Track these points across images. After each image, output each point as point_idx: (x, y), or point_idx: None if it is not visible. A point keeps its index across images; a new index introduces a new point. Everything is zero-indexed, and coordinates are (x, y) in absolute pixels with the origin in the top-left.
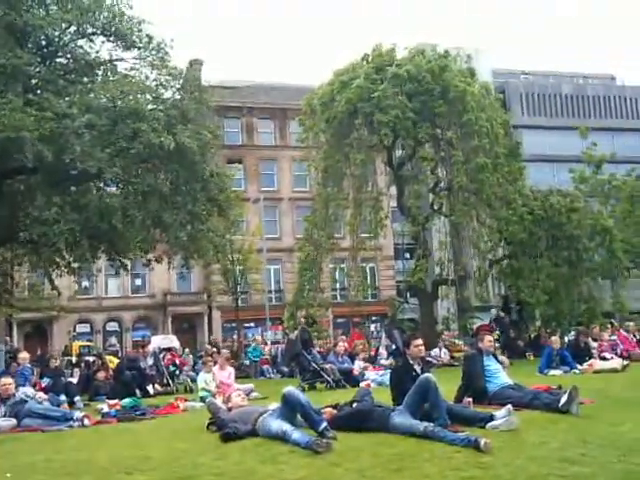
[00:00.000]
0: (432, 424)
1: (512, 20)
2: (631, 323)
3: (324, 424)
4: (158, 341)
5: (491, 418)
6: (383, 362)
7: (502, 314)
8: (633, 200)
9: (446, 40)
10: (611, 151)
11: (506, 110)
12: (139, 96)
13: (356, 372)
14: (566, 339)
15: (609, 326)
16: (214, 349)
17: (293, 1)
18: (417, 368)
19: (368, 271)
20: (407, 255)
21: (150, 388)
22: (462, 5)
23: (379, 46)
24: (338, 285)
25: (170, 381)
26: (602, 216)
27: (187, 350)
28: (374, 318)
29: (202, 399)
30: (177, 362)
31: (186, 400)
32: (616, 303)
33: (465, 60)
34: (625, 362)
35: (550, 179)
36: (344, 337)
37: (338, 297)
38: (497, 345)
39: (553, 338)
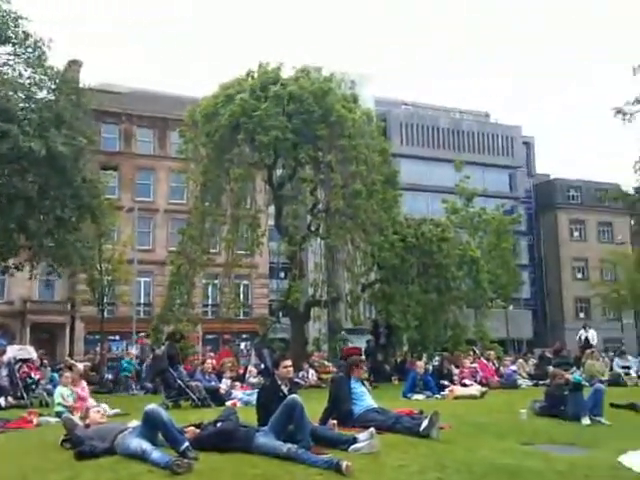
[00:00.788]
0: (295, 446)
1: (398, 51)
2: (492, 352)
3: (186, 444)
4: (14, 351)
5: (354, 441)
6: (252, 380)
7: (371, 337)
8: (499, 234)
9: (333, 64)
10: (482, 185)
11: (386, 138)
12: (10, 94)
13: (223, 390)
14: (430, 364)
15: (471, 353)
16: (72, 361)
17: (180, 13)
18: (284, 389)
19: (242, 288)
20: (282, 274)
21: (2, 401)
22: (350, 31)
23: (265, 64)
24: (210, 301)
25: (25, 394)
26: (470, 247)
27: (45, 362)
28: (245, 336)
29: (58, 414)
30: (33, 374)
31: (40, 414)
32: (478, 332)
33: (349, 85)
34: (483, 389)
35: (424, 208)
36: (212, 354)
37: (209, 313)
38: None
39: (418, 363)
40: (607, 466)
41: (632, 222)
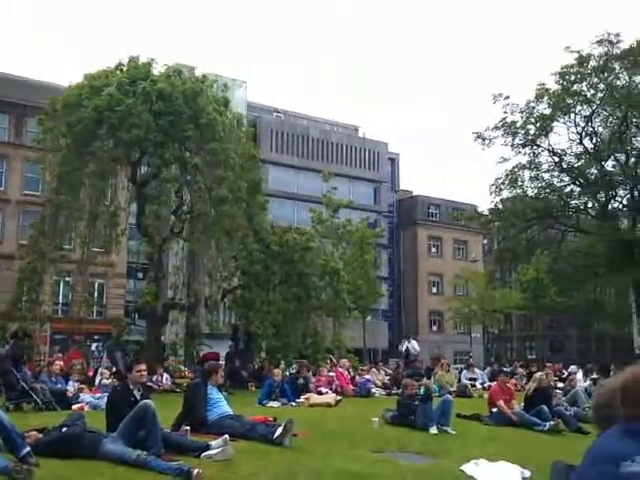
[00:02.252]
0: (145, 452)
1: (272, 58)
2: (345, 360)
3: (27, 449)
4: None
5: (207, 447)
6: (105, 382)
7: (231, 342)
8: (362, 245)
9: (206, 65)
10: (348, 197)
11: (256, 144)
12: None
13: (70, 393)
14: (288, 372)
15: (328, 362)
16: None
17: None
18: (137, 393)
19: (96, 287)
20: (140, 275)
21: None
22: (227, 35)
23: (136, 58)
24: (61, 299)
25: None
26: (333, 258)
27: None
28: (97, 337)
29: None
30: None
31: None
32: (336, 341)
33: (222, 88)
34: (338, 397)
35: (291, 216)
36: (61, 355)
37: (60, 312)
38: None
39: (275, 370)
40: (451, 474)
41: (485, 241)
